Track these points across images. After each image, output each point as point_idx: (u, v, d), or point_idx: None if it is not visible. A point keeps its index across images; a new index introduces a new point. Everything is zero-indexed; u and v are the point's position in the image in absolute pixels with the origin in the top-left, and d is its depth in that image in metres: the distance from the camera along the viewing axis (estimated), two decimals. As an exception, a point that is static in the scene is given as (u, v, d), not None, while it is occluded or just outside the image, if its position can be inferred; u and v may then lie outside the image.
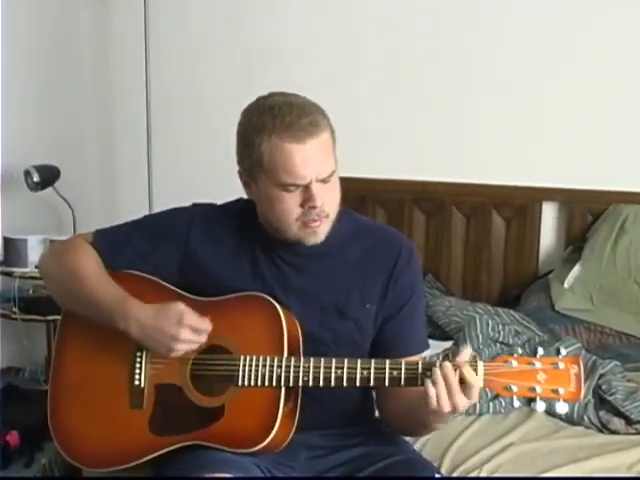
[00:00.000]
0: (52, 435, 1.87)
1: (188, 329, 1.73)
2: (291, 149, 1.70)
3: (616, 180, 3.16)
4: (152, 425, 1.79)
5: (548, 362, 1.62)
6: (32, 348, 3.53)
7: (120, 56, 3.63)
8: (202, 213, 1.90)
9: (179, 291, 1.85)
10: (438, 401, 1.62)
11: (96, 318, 1.82)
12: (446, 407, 1.62)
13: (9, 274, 3.36)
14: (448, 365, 1.63)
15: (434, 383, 1.62)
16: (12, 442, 3.02)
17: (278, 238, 1.82)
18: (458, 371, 1.62)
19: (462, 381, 1.62)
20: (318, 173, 1.73)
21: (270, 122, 1.72)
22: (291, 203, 1.74)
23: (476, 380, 1.62)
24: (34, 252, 3.30)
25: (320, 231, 1.77)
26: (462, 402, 1.62)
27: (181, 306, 1.74)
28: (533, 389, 1.61)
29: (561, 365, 1.62)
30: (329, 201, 1.76)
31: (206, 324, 1.75)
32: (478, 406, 2.40)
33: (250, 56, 3.45)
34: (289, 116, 1.71)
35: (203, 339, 1.75)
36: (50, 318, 3.24)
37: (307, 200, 1.73)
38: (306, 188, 1.73)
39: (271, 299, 1.78)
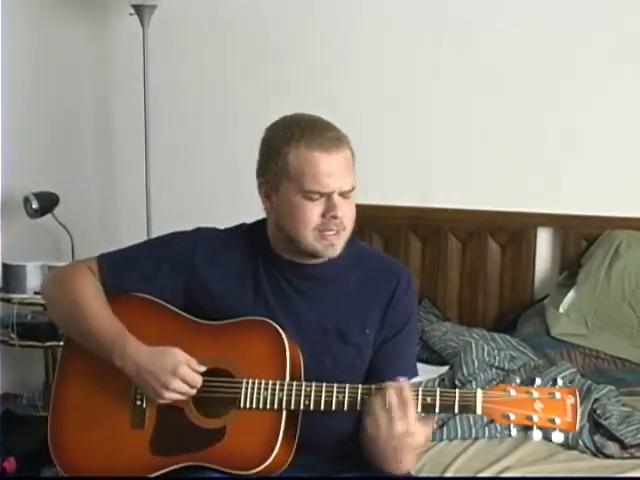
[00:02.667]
0: (52, 455, 1.87)
1: (180, 380, 1.74)
2: (319, 157, 1.76)
3: (610, 206, 3.19)
4: (153, 445, 1.80)
5: (545, 392, 1.65)
6: (30, 374, 3.54)
7: (120, 83, 3.66)
8: (206, 236, 1.92)
9: (184, 315, 1.86)
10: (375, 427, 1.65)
11: (94, 351, 1.83)
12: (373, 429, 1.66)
13: (8, 300, 3.37)
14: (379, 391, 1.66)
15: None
16: (9, 468, 3.02)
17: (284, 259, 1.85)
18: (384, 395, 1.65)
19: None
20: (341, 185, 1.77)
21: (298, 132, 1.78)
22: (312, 212, 1.77)
23: (396, 401, 1.64)
24: (33, 278, 3.31)
25: (337, 244, 1.80)
26: (396, 428, 1.64)
27: (178, 355, 1.76)
28: (530, 418, 1.63)
29: (558, 395, 1.64)
30: (348, 215, 1.80)
31: (198, 380, 1.76)
32: (474, 430, 2.41)
33: (257, 90, 3.50)
34: (316, 129, 1.78)
35: (192, 392, 1.76)
36: (48, 344, 3.25)
37: (329, 210, 1.77)
38: (328, 198, 1.77)
39: (275, 324, 1.79)
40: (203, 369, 1.77)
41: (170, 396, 1.76)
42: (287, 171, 1.78)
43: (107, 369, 1.83)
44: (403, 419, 1.64)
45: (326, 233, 1.78)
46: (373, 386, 1.72)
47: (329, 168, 1.76)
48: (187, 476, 1.75)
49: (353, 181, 1.81)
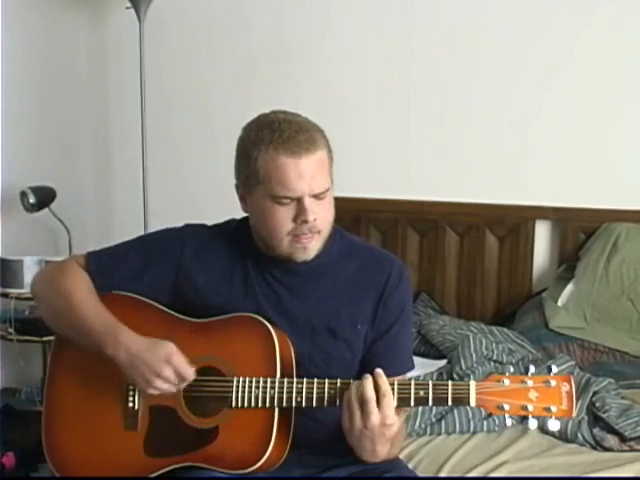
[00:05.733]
0: (46, 457, 1.87)
1: (172, 370, 1.73)
2: (286, 162, 1.73)
3: (608, 198, 3.19)
4: (147, 447, 1.79)
5: (540, 380, 1.64)
6: (28, 369, 3.54)
7: (116, 78, 3.66)
8: (194, 233, 1.91)
9: (172, 313, 1.85)
10: (349, 419, 1.66)
11: (85, 343, 1.82)
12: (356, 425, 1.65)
13: (5, 295, 3.37)
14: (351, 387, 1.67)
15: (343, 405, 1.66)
16: (8, 464, 3.02)
17: (271, 256, 1.83)
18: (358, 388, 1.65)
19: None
20: (312, 188, 1.74)
21: (268, 136, 1.74)
22: (284, 217, 1.75)
23: (372, 394, 1.64)
24: (30, 273, 3.30)
25: (310, 247, 1.78)
26: (371, 420, 1.64)
27: (172, 347, 1.75)
28: (525, 407, 1.63)
29: (552, 383, 1.63)
30: (322, 218, 1.77)
31: (190, 373, 1.75)
32: (472, 424, 2.41)
33: (254, 83, 3.49)
34: (287, 131, 1.74)
35: (182, 385, 1.76)
36: (46, 339, 3.24)
37: (299, 214, 1.75)
38: (299, 202, 1.74)
39: (264, 321, 1.78)
40: (194, 367, 1.75)
41: (160, 385, 1.74)
42: (257, 176, 1.76)
43: (98, 370, 1.83)
44: (380, 411, 1.64)
45: (300, 237, 1.77)
46: (351, 380, 1.71)
47: (298, 173, 1.73)
48: (184, 476, 1.74)
49: (326, 182, 1.77)
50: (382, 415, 1.64)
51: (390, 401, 1.65)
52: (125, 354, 1.75)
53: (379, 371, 1.67)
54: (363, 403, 1.64)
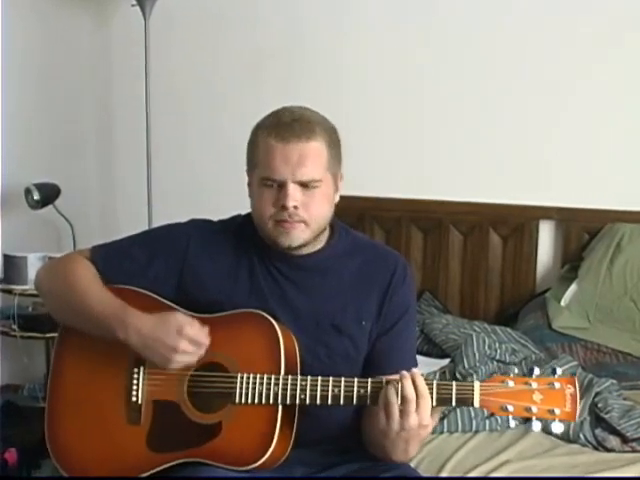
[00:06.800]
0: (50, 451, 1.87)
1: (187, 341, 1.73)
2: (275, 146, 1.76)
3: (612, 199, 3.19)
4: (150, 441, 1.79)
5: (544, 382, 1.64)
6: (31, 365, 3.54)
7: (121, 75, 3.66)
8: (200, 228, 1.92)
9: (176, 307, 1.85)
10: (387, 420, 1.65)
11: (94, 330, 1.82)
12: (394, 427, 1.65)
13: (9, 291, 3.37)
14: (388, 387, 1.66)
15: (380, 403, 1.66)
16: (10, 460, 3.02)
17: (276, 250, 1.84)
18: (397, 389, 1.65)
19: (405, 398, 1.64)
20: (295, 174, 1.76)
21: (267, 120, 1.80)
22: (267, 200, 1.78)
23: (412, 394, 1.64)
24: (34, 270, 3.28)
25: (293, 234, 1.79)
26: (410, 421, 1.64)
27: (181, 317, 1.75)
28: (529, 409, 1.62)
29: (557, 385, 1.63)
30: (306, 208, 1.78)
31: (205, 337, 1.75)
32: (474, 423, 2.40)
33: (258, 82, 3.49)
34: (285, 119, 1.78)
35: (201, 352, 1.75)
36: (49, 335, 3.25)
37: (280, 199, 1.77)
38: (282, 187, 1.76)
39: (269, 317, 1.78)
40: (207, 329, 1.75)
41: (180, 358, 1.74)
42: (253, 159, 1.81)
43: (102, 363, 1.84)
44: (417, 412, 1.64)
45: (281, 222, 1.78)
46: (369, 379, 1.71)
47: (283, 157, 1.75)
48: (186, 471, 1.74)
49: (316, 173, 1.78)
50: (420, 417, 1.64)
51: (428, 402, 1.64)
52: (136, 335, 1.76)
53: (416, 371, 1.67)
54: (403, 404, 1.64)
